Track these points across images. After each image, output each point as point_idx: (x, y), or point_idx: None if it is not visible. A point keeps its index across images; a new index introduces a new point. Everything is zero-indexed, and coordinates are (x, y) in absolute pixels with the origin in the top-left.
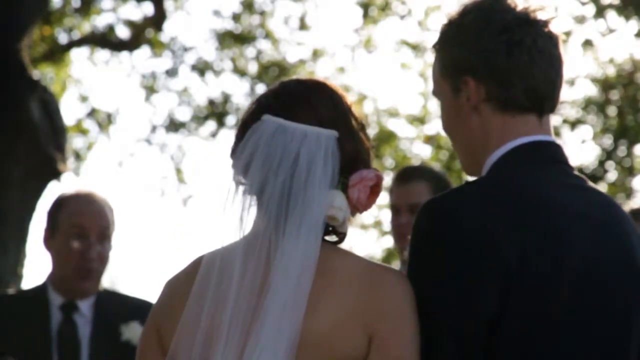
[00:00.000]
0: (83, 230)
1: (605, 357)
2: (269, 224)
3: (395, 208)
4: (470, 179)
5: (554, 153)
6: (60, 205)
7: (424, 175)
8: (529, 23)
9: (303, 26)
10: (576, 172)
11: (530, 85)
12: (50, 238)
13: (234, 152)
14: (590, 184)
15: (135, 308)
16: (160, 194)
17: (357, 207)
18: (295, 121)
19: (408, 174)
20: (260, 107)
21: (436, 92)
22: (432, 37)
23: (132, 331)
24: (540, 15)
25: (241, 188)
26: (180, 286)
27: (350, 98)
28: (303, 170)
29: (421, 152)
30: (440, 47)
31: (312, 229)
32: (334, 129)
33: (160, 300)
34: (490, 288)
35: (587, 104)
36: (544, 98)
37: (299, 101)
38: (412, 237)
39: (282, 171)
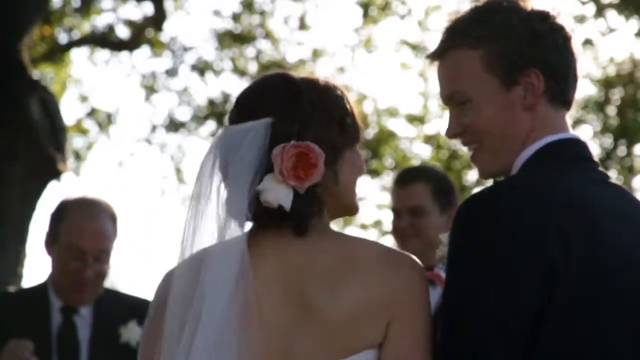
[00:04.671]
0: (80, 252)
1: None
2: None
3: (395, 211)
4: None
5: (584, 150)
6: (62, 214)
7: (423, 176)
8: (565, 29)
9: (303, 26)
10: (600, 168)
11: (574, 81)
12: (51, 245)
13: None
14: (612, 179)
15: (133, 307)
16: (160, 194)
17: (286, 176)
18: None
19: (406, 177)
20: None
21: (467, 89)
22: (432, 37)
23: (131, 332)
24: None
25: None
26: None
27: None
28: (231, 165)
29: (421, 152)
30: (486, 40)
31: (233, 220)
32: (290, 121)
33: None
34: (537, 285)
35: (587, 104)
36: (574, 95)
37: (251, 109)
38: (454, 233)
39: (217, 172)
